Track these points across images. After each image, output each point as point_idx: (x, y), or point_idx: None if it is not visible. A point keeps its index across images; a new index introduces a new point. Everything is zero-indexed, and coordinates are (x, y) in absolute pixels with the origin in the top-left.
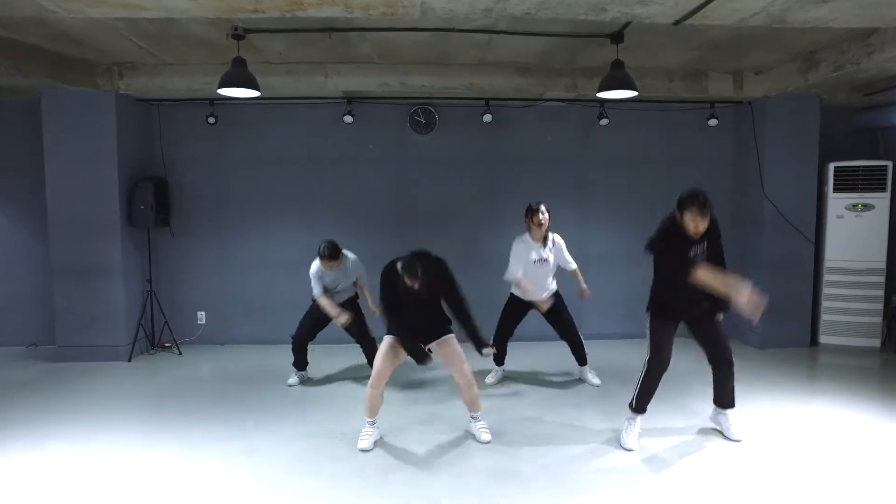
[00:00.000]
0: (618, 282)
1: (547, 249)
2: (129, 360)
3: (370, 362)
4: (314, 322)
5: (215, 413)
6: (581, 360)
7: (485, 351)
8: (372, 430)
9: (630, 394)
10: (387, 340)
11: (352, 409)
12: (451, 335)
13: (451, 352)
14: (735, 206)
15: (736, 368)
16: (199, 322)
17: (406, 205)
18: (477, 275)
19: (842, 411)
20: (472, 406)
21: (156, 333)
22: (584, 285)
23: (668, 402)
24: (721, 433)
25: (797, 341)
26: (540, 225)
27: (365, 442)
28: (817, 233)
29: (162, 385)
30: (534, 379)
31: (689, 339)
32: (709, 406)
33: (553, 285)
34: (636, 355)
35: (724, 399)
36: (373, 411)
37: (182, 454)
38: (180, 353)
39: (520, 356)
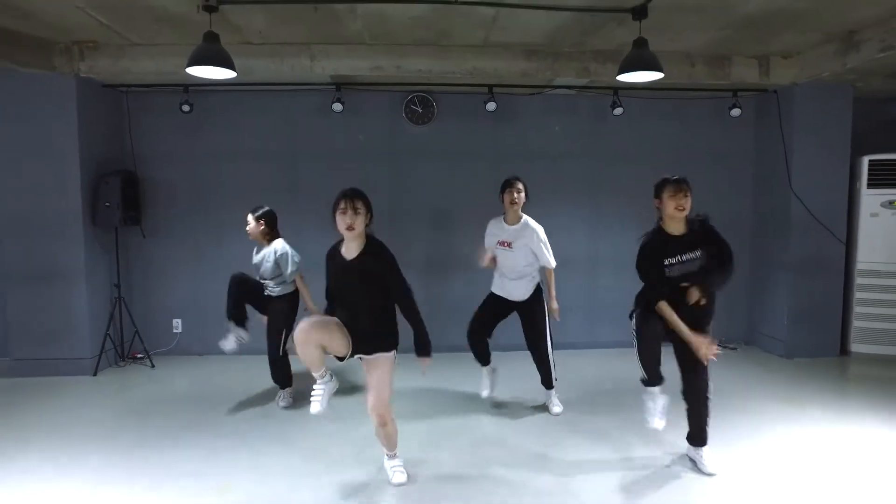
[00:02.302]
0: (631, 287)
1: (513, 232)
2: (95, 375)
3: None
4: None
5: (186, 439)
6: (546, 381)
7: (424, 362)
8: (322, 386)
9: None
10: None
11: (340, 439)
12: (390, 355)
13: (381, 374)
14: (758, 203)
15: (763, 381)
16: (174, 331)
17: (401, 202)
18: (479, 279)
19: (877, 429)
20: (390, 443)
21: (125, 344)
22: (555, 303)
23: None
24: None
25: (826, 350)
26: (512, 203)
27: (316, 405)
28: (849, 232)
29: (128, 404)
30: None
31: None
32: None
33: (527, 282)
34: None
35: (695, 436)
36: (318, 365)
37: (139, 496)
38: (153, 366)
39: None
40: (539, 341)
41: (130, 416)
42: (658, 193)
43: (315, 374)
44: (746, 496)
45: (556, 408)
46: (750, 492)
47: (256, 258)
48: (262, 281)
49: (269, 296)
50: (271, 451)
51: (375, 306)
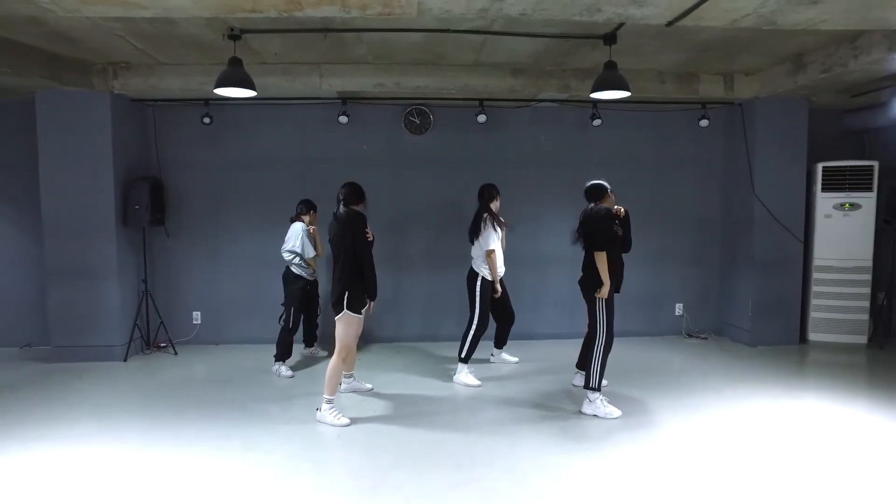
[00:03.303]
0: None
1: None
2: (125, 361)
3: (308, 339)
4: (302, 300)
5: (211, 411)
6: (504, 342)
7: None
8: (336, 407)
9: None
10: (356, 318)
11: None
12: None
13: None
14: (725, 205)
15: (727, 366)
16: (194, 322)
17: (401, 205)
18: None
19: (830, 406)
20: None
21: (151, 333)
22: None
23: (673, 399)
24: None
25: (786, 339)
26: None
27: (344, 418)
28: (806, 232)
29: (158, 385)
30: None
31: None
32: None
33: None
34: (629, 352)
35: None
36: (336, 388)
37: (179, 452)
38: (176, 353)
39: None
40: (510, 307)
41: (161, 394)
42: (606, 192)
43: (329, 396)
44: (700, 455)
45: (513, 357)
46: (704, 451)
47: (308, 242)
48: (303, 262)
49: (312, 282)
50: (285, 417)
51: None
